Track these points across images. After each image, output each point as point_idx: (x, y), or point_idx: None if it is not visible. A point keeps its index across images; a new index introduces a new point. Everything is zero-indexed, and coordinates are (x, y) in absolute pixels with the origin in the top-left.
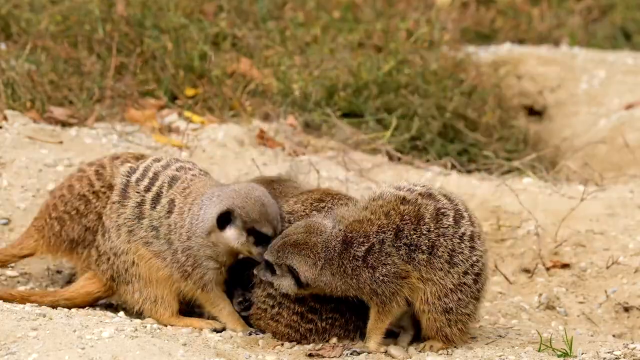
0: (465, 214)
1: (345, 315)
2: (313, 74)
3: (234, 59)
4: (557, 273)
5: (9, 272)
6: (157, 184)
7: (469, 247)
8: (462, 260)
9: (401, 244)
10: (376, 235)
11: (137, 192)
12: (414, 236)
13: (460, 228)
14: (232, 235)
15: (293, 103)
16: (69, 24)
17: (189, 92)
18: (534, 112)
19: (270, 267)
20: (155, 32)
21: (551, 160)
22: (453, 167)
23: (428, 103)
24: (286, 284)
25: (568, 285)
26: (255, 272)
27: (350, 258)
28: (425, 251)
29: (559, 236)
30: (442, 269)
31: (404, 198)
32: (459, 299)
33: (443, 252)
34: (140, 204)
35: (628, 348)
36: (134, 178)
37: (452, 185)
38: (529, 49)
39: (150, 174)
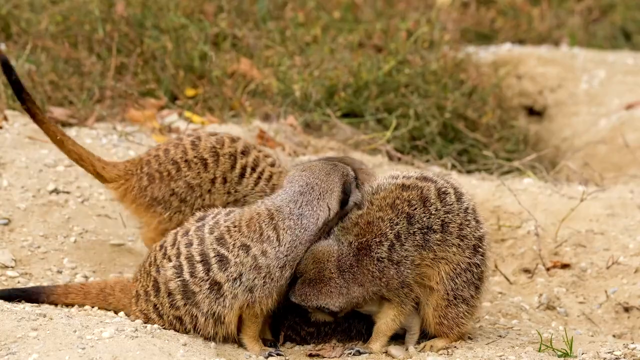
0: (463, 190)
1: (349, 320)
2: (313, 74)
3: (234, 59)
4: (557, 273)
5: (9, 272)
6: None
7: (474, 219)
8: (470, 233)
9: (415, 229)
10: (391, 231)
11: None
12: (424, 218)
13: (463, 203)
14: None
15: (293, 103)
16: (69, 24)
17: (189, 92)
18: (534, 112)
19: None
20: (155, 32)
21: (551, 160)
22: (453, 167)
23: (428, 103)
24: (322, 317)
25: (568, 286)
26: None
27: (375, 262)
28: (438, 230)
29: (559, 236)
30: (454, 245)
31: (403, 185)
32: (468, 279)
33: (454, 227)
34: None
35: (628, 348)
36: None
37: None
38: (529, 49)
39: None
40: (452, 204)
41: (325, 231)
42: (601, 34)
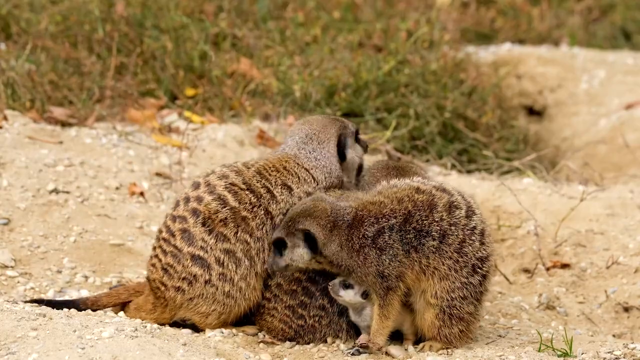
0: (477, 211)
1: (330, 315)
2: (313, 74)
3: (234, 59)
4: (557, 273)
5: (9, 272)
6: None
7: (479, 241)
8: (472, 252)
9: (410, 228)
10: (387, 220)
11: None
12: (425, 222)
13: (471, 222)
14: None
15: (293, 103)
16: (69, 24)
17: (189, 92)
18: (534, 112)
19: (279, 249)
20: (155, 32)
21: (551, 160)
22: (453, 167)
23: (428, 103)
24: (299, 254)
25: (568, 285)
26: (267, 265)
27: (360, 236)
28: (437, 238)
29: (559, 236)
30: (451, 258)
31: (418, 188)
32: (464, 296)
33: (453, 241)
34: None
35: (628, 348)
36: None
37: (452, 185)
38: (529, 49)
39: None
40: (459, 219)
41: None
42: (601, 34)
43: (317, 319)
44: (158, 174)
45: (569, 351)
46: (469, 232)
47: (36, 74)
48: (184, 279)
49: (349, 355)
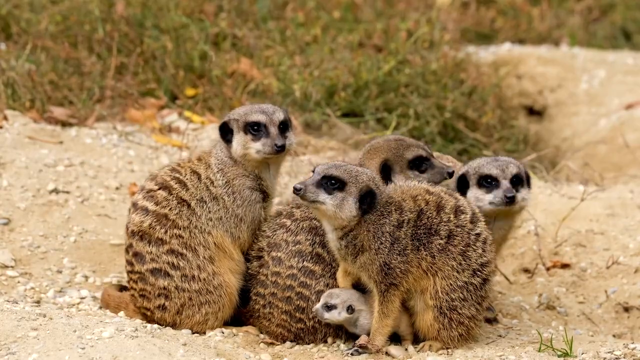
0: (481, 219)
1: None
2: (313, 73)
3: (234, 59)
4: (557, 273)
5: (9, 272)
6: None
7: (482, 248)
8: (474, 257)
9: (421, 225)
10: (407, 214)
11: None
12: (434, 221)
13: (476, 228)
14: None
15: (293, 103)
16: (69, 24)
17: (189, 92)
18: (534, 112)
19: (331, 187)
20: (155, 32)
21: (551, 160)
22: None
23: (428, 103)
24: (349, 205)
25: (568, 285)
26: (300, 186)
27: (391, 218)
28: (444, 237)
29: (559, 236)
30: (455, 260)
31: (428, 190)
32: (464, 298)
33: (459, 243)
34: None
35: (628, 348)
36: None
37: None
38: (529, 49)
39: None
40: (465, 223)
41: None
42: (601, 34)
43: (317, 320)
44: None
45: (569, 351)
46: (474, 237)
47: (36, 74)
48: (158, 295)
49: (349, 355)
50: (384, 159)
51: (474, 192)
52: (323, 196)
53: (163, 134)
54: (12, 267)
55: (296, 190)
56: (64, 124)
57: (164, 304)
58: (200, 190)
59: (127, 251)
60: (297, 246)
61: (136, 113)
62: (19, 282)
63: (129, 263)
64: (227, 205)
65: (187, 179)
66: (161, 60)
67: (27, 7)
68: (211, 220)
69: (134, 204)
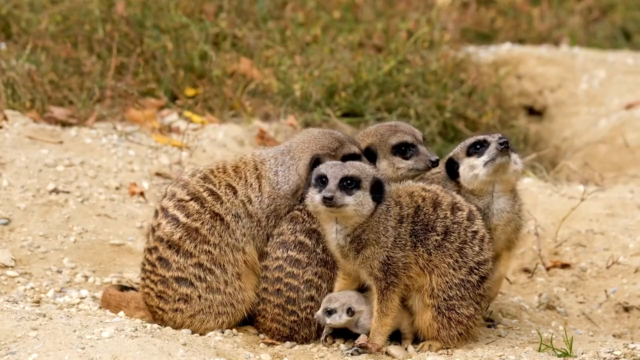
0: (478, 217)
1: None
2: (313, 74)
3: (234, 59)
4: (557, 273)
5: (9, 271)
6: None
7: (479, 246)
8: (471, 255)
9: (418, 221)
10: (406, 209)
11: None
12: (431, 217)
13: (473, 225)
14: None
15: (293, 103)
16: (69, 24)
17: (189, 92)
18: (534, 112)
19: (346, 187)
20: (155, 32)
21: (551, 160)
22: None
23: (428, 103)
24: (367, 199)
25: (568, 285)
26: (331, 194)
27: (385, 214)
28: (440, 233)
29: (559, 236)
30: (452, 257)
31: (424, 187)
32: (462, 296)
33: (455, 239)
34: None
35: (628, 348)
36: None
37: None
38: (529, 49)
39: None
40: (461, 220)
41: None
42: (601, 34)
43: (308, 310)
44: (158, 174)
45: (569, 351)
46: (470, 234)
47: (36, 74)
48: (179, 299)
49: (349, 355)
50: (369, 144)
51: (466, 164)
52: (347, 198)
53: (163, 134)
54: (12, 267)
55: (328, 200)
56: (64, 124)
57: (182, 307)
58: (235, 207)
59: (149, 252)
60: (280, 237)
61: (136, 113)
62: (19, 282)
63: (151, 264)
64: (262, 224)
65: (222, 192)
66: (161, 60)
67: (27, 7)
68: (245, 235)
69: (164, 210)
